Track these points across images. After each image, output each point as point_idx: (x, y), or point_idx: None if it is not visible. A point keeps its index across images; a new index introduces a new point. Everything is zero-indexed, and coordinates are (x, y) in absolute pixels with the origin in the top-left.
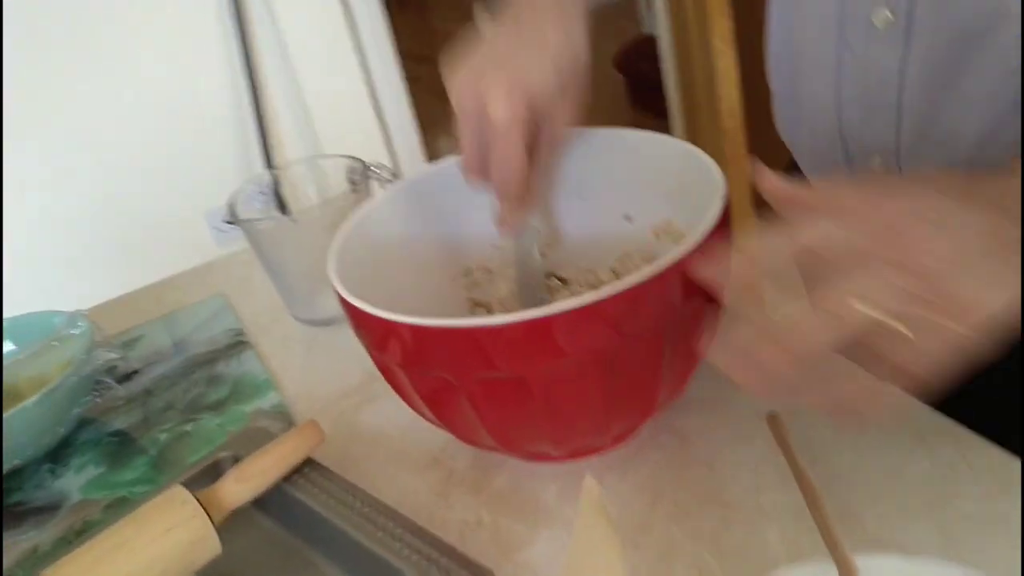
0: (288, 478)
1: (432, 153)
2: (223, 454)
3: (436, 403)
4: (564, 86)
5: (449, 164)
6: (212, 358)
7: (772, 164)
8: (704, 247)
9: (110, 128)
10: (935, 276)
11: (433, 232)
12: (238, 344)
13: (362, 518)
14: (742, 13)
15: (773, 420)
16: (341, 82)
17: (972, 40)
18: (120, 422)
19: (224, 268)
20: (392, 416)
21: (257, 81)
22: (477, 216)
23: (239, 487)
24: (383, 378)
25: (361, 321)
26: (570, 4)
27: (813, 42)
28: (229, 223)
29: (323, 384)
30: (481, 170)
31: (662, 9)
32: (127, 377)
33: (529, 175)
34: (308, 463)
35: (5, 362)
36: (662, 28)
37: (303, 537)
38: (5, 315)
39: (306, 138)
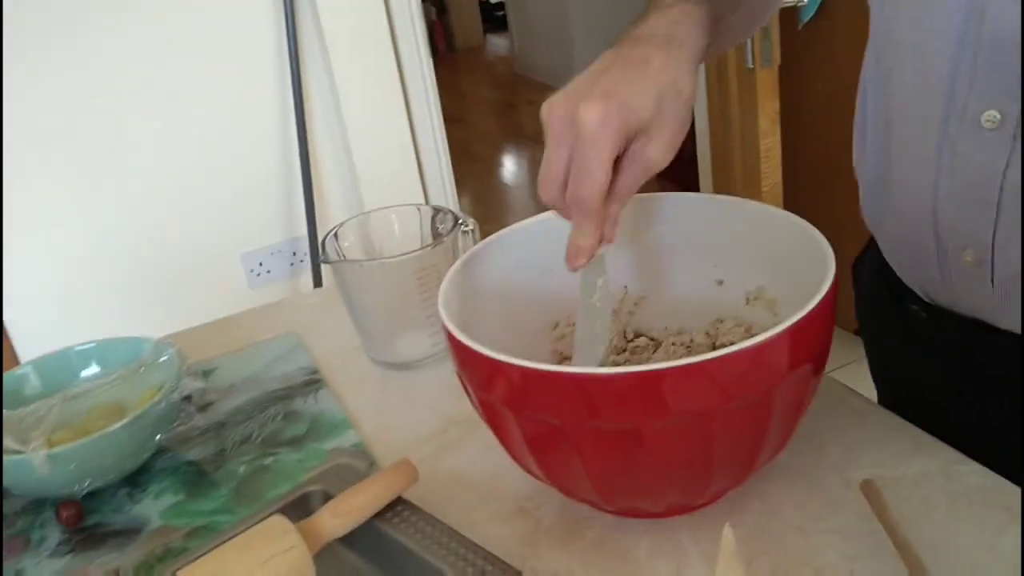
0: (379, 515)
1: (460, 209)
2: (313, 488)
3: (538, 447)
4: (662, 111)
5: (547, 217)
6: (288, 395)
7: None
8: (814, 316)
9: (152, 163)
10: None
11: (527, 283)
12: (313, 382)
13: (457, 558)
14: (787, 94)
15: (868, 488)
16: (386, 134)
17: None
18: (196, 453)
19: (294, 308)
20: (475, 462)
21: (306, 128)
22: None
23: (336, 521)
24: (470, 422)
25: (468, 359)
26: (683, 38)
27: (914, 135)
28: (321, 262)
29: (400, 427)
30: (560, 189)
31: (701, 84)
32: (204, 408)
33: (609, 196)
34: (399, 502)
35: (93, 384)
36: (699, 103)
37: (388, 572)
38: (84, 340)
39: (347, 187)
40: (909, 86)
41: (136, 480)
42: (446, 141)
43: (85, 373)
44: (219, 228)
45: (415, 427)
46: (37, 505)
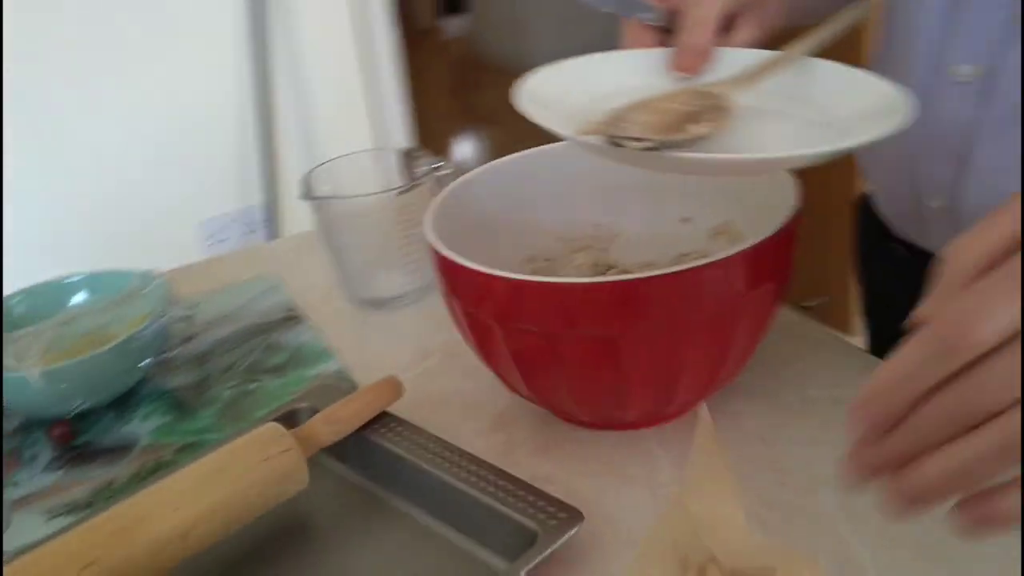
0: (366, 427)
1: None
2: (301, 404)
3: (523, 359)
4: None
5: (529, 154)
6: (268, 329)
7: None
8: (777, 238)
9: (110, 128)
10: None
11: (506, 217)
12: (292, 318)
13: (444, 461)
14: None
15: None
16: (347, 109)
17: None
18: (180, 380)
19: (271, 251)
20: (453, 387)
21: (268, 101)
22: (545, 207)
23: (327, 429)
24: (448, 352)
25: (459, 276)
26: None
27: (898, 81)
28: (304, 199)
29: (380, 358)
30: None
31: None
32: (186, 340)
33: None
34: (385, 415)
35: (81, 311)
36: None
37: (382, 482)
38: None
39: (306, 161)
40: (899, 33)
41: (123, 404)
42: (408, 115)
43: (74, 301)
44: (175, 196)
45: (394, 358)
46: (27, 426)
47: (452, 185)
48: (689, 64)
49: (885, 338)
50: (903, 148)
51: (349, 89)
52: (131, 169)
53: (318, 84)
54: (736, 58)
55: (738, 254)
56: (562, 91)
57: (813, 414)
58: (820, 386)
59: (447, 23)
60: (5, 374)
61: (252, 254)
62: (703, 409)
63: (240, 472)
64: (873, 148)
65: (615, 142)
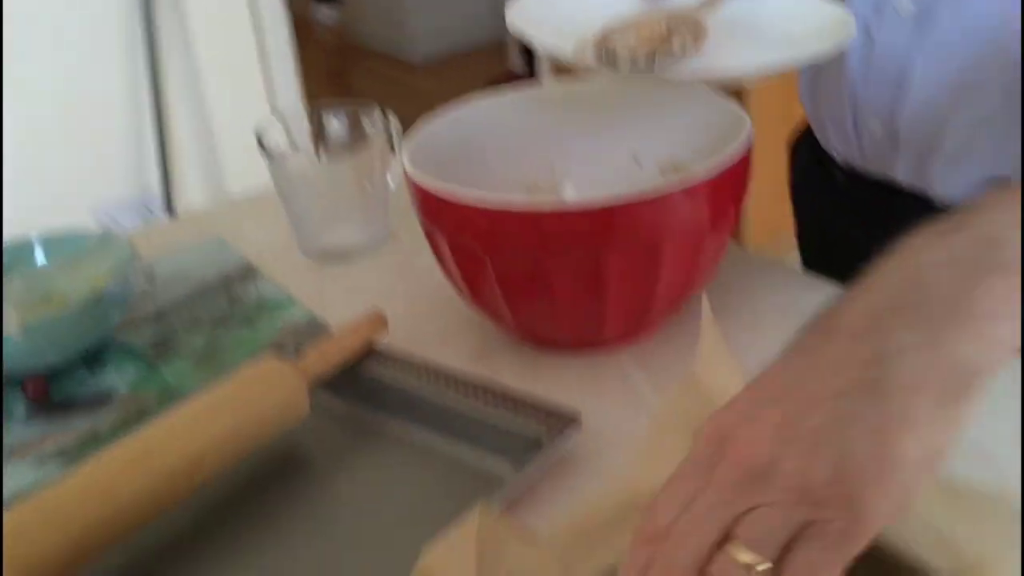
0: (354, 361)
1: None
2: (285, 344)
3: (509, 285)
4: None
5: (480, 103)
6: (227, 284)
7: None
8: (739, 165)
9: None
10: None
11: (465, 163)
12: (249, 274)
13: (438, 382)
14: None
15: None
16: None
17: (983, 43)
18: (148, 336)
19: (207, 217)
20: (425, 327)
21: (159, 85)
22: (500, 153)
23: (321, 360)
24: (413, 298)
25: (442, 207)
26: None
27: None
28: (261, 151)
29: (344, 307)
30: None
31: None
32: (144, 299)
33: None
34: (371, 350)
35: (44, 270)
36: (544, 63)
37: (377, 410)
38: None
39: (201, 143)
40: None
41: (93, 360)
42: (301, 94)
43: (34, 261)
44: (68, 183)
45: (359, 306)
46: None
47: (414, 132)
48: None
49: (817, 262)
50: (847, 76)
51: (242, 69)
52: (20, 156)
53: (208, 64)
54: None
55: (708, 176)
56: (546, 14)
57: (762, 326)
58: (766, 302)
59: (319, 11)
60: None
61: (186, 223)
62: (704, 302)
63: (246, 402)
64: (821, 77)
65: (611, 59)
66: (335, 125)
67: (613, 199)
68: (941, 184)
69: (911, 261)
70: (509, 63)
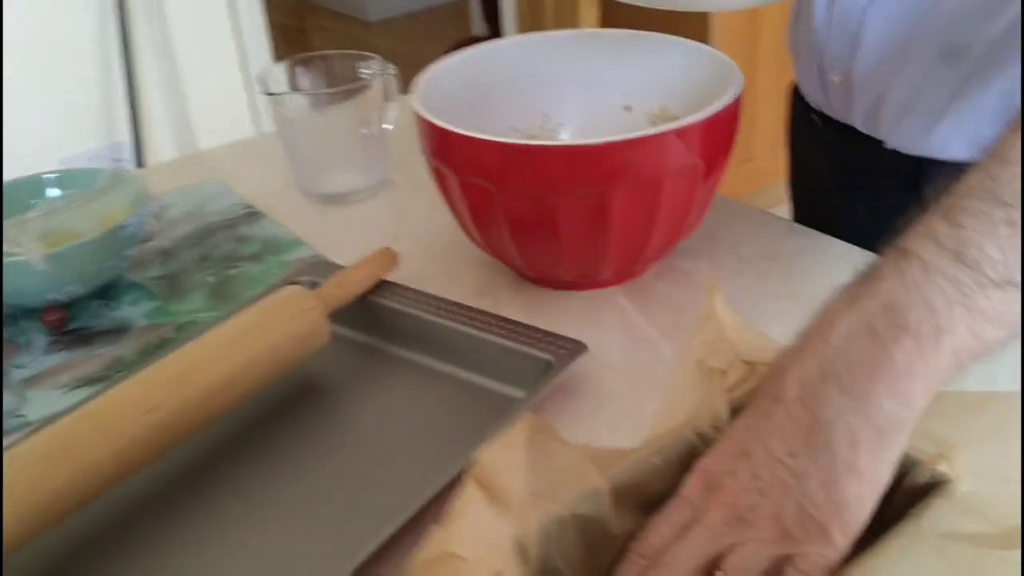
0: (368, 294)
1: None
2: (301, 278)
3: (518, 223)
4: None
5: (480, 50)
6: (232, 224)
7: None
8: (729, 111)
9: None
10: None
11: (466, 108)
12: (253, 214)
13: (449, 312)
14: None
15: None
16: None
17: (921, 3)
18: (158, 270)
19: (203, 162)
20: (430, 265)
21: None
22: (498, 99)
23: (340, 291)
24: (416, 238)
25: (453, 145)
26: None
27: None
28: (266, 94)
29: (349, 246)
30: None
31: (511, 7)
32: (150, 238)
33: None
34: (383, 283)
35: (60, 203)
36: (508, 27)
37: (392, 340)
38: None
39: (169, 96)
40: None
41: (107, 294)
42: (271, 52)
43: (49, 195)
44: (36, 135)
45: (364, 245)
46: (13, 316)
47: (421, 78)
48: None
49: (807, 205)
50: (813, 29)
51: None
52: None
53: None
54: None
55: (707, 119)
56: None
57: (747, 272)
58: (751, 247)
59: None
60: (9, 259)
61: (186, 163)
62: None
63: (272, 327)
64: (797, 28)
65: None
66: (327, 73)
67: (616, 140)
68: (890, 133)
69: (833, 332)
70: (471, 25)
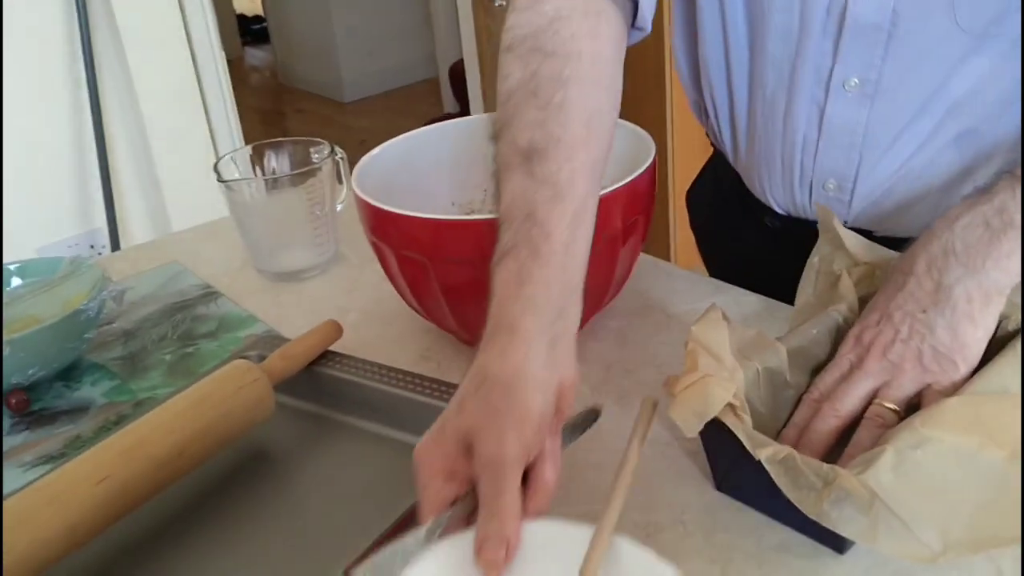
0: (313, 364)
1: None
2: (249, 353)
3: (449, 291)
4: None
5: (420, 132)
6: (189, 304)
7: None
8: (648, 176)
9: None
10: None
11: (408, 186)
12: (210, 294)
13: (391, 378)
14: None
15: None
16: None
17: (928, 103)
18: (118, 351)
19: (160, 247)
20: (375, 333)
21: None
22: (439, 176)
23: (285, 363)
24: (365, 311)
25: (390, 223)
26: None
27: (777, 99)
28: (220, 182)
29: (301, 320)
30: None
31: (476, 87)
32: (112, 320)
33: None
34: (327, 353)
35: (22, 291)
36: (475, 104)
37: (335, 407)
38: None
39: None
40: (774, 59)
41: (69, 375)
42: (242, 137)
43: (12, 285)
44: (13, 223)
45: (314, 318)
46: None
47: (362, 161)
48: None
49: (718, 265)
50: (791, 140)
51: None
52: None
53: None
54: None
55: (624, 186)
56: None
57: (675, 327)
58: (678, 304)
59: (251, 54)
60: None
61: (142, 250)
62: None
63: (220, 399)
64: (756, 147)
65: None
66: (286, 158)
67: None
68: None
69: (955, 224)
70: (442, 104)
